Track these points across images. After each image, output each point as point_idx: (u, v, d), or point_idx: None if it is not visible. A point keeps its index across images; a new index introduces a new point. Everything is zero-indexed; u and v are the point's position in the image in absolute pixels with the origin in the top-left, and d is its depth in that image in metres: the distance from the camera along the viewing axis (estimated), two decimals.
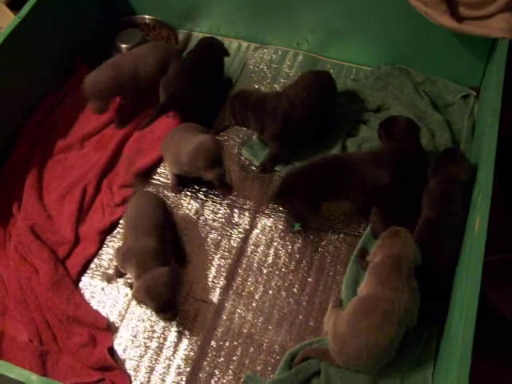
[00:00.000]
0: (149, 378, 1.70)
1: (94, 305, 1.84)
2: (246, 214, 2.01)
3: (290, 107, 2.01)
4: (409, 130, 1.91)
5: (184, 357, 1.73)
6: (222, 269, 1.89)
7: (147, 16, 2.62)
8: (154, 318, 1.80)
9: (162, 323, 1.79)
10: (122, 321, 1.81)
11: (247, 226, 1.98)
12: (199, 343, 1.75)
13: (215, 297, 1.83)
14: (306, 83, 2.09)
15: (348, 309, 1.61)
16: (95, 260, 1.94)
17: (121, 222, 2.02)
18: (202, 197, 2.07)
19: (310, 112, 2.04)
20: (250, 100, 2.04)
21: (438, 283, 1.68)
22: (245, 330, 1.76)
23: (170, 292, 1.69)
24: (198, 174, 1.97)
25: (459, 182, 1.76)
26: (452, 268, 1.67)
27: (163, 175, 2.14)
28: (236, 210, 2.03)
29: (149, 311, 1.81)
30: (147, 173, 2.14)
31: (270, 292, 1.83)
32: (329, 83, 2.13)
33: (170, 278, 1.69)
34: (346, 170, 1.85)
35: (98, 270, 1.92)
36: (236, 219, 2.01)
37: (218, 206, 2.05)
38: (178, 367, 1.71)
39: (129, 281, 1.88)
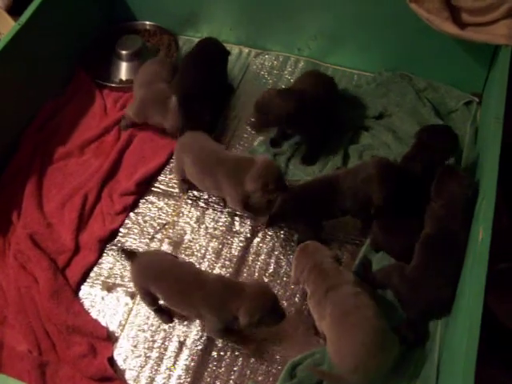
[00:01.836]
0: None
1: (94, 314, 1.83)
2: (247, 222, 1.99)
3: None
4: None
5: (185, 367, 1.71)
6: None
7: (148, 22, 2.62)
8: (155, 327, 1.79)
9: (162, 333, 1.78)
10: (122, 330, 1.79)
11: (248, 235, 1.97)
12: (200, 353, 1.73)
13: None
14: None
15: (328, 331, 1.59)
16: (95, 269, 1.93)
17: (121, 230, 2.01)
18: (203, 205, 2.06)
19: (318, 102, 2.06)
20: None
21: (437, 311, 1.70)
22: (246, 341, 1.74)
23: None
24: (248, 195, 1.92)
25: (463, 200, 1.74)
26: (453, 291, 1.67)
27: (164, 183, 2.13)
28: (237, 218, 2.01)
29: (149, 321, 1.80)
30: (148, 181, 2.12)
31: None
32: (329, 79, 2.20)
33: None
34: (337, 190, 1.83)
35: (97, 279, 1.90)
36: (237, 227, 1.99)
37: (219, 214, 2.03)
38: (179, 378, 1.70)
39: (129, 290, 1.87)
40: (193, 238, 1.98)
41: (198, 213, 2.04)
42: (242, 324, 1.58)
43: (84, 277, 1.91)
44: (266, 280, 1.86)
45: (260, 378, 1.68)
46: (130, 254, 1.78)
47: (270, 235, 1.96)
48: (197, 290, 1.63)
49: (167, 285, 1.68)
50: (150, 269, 1.73)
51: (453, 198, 1.74)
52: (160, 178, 2.14)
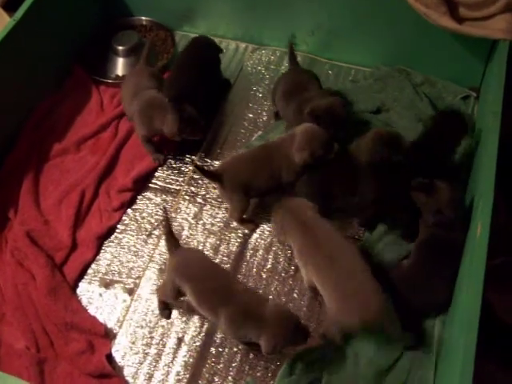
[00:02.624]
0: None
1: (92, 311, 1.83)
2: (245, 217, 1.99)
3: None
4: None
5: (183, 363, 1.71)
6: None
7: (144, 17, 2.60)
8: (153, 324, 1.79)
9: (160, 330, 1.78)
10: (120, 327, 1.79)
11: (246, 231, 1.96)
12: (198, 349, 1.73)
13: None
14: None
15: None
16: (93, 265, 1.92)
17: (118, 226, 2.01)
18: (201, 200, 2.05)
19: None
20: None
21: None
22: None
23: None
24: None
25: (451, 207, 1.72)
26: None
27: (161, 179, 2.12)
28: None
29: (147, 317, 1.80)
30: (146, 177, 2.11)
31: (270, 297, 1.81)
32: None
33: None
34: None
35: (95, 276, 1.90)
36: (235, 223, 1.98)
37: (217, 209, 2.03)
38: (177, 374, 1.70)
39: (127, 286, 1.87)
40: (190, 234, 1.97)
41: (196, 209, 2.03)
42: (265, 351, 1.55)
43: (81, 274, 1.90)
44: (264, 276, 1.86)
45: (258, 374, 1.68)
46: (172, 243, 1.75)
47: (268, 231, 1.96)
48: (222, 304, 1.59)
49: (198, 288, 1.64)
50: (187, 267, 1.69)
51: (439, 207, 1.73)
52: (157, 173, 2.14)
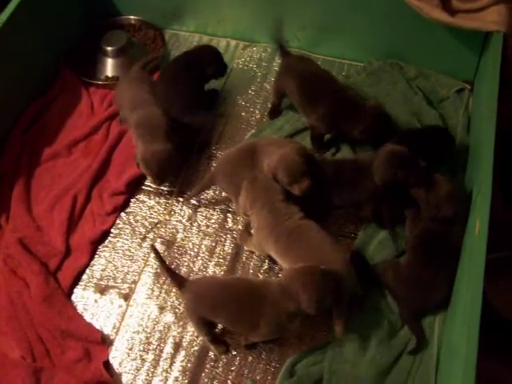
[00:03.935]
0: None
1: (88, 317, 1.80)
2: (240, 218, 1.96)
3: None
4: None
5: (181, 368, 1.69)
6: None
7: (132, 16, 2.57)
8: (150, 329, 1.76)
9: (158, 335, 1.75)
10: (116, 333, 1.77)
11: None
12: (196, 354, 1.71)
13: None
14: None
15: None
16: (87, 271, 1.90)
17: (112, 230, 1.98)
18: (195, 202, 2.03)
19: None
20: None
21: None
22: (242, 339, 1.72)
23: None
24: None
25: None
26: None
27: None
28: (229, 215, 1.98)
29: (144, 322, 1.78)
30: (138, 179, 2.09)
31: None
32: None
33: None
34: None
35: (90, 282, 1.87)
36: (230, 224, 1.96)
37: (211, 211, 2.00)
38: (176, 379, 1.67)
39: (122, 291, 1.84)
40: (185, 237, 1.95)
41: (190, 211, 2.01)
42: (308, 311, 1.52)
43: (76, 280, 1.87)
44: (260, 277, 1.84)
45: (258, 377, 1.66)
46: (179, 281, 1.69)
47: None
48: (258, 313, 1.55)
49: (226, 309, 1.60)
50: (204, 297, 1.64)
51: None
52: None
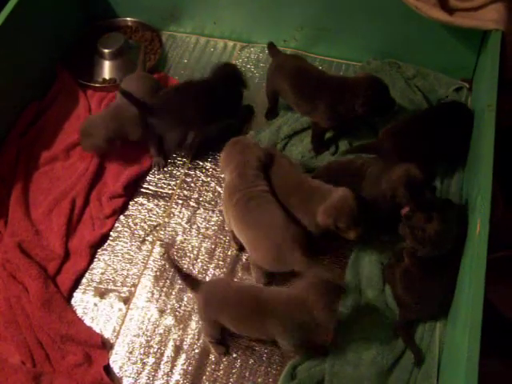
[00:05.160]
0: None
1: (88, 321, 1.79)
2: None
3: None
4: None
5: (182, 372, 1.68)
6: None
7: (129, 18, 2.56)
8: (150, 332, 1.76)
9: (158, 338, 1.74)
10: (117, 337, 1.76)
11: None
12: (197, 357, 1.70)
13: None
14: None
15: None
16: (86, 275, 1.89)
17: (111, 233, 1.97)
18: (194, 204, 2.02)
19: None
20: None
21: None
22: (244, 342, 1.72)
23: None
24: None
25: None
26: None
27: (152, 183, 2.09)
28: None
29: (144, 326, 1.77)
30: (136, 181, 2.08)
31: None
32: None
33: None
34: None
35: (89, 285, 1.86)
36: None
37: (210, 213, 1.99)
38: (177, 383, 1.67)
39: (122, 295, 1.83)
40: (185, 239, 1.94)
41: (189, 213, 2.00)
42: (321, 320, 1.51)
43: (75, 284, 1.87)
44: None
45: (259, 380, 1.65)
46: (194, 284, 1.68)
47: None
48: (268, 315, 1.55)
49: (235, 313, 1.59)
50: (216, 299, 1.63)
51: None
52: (149, 178, 2.10)
